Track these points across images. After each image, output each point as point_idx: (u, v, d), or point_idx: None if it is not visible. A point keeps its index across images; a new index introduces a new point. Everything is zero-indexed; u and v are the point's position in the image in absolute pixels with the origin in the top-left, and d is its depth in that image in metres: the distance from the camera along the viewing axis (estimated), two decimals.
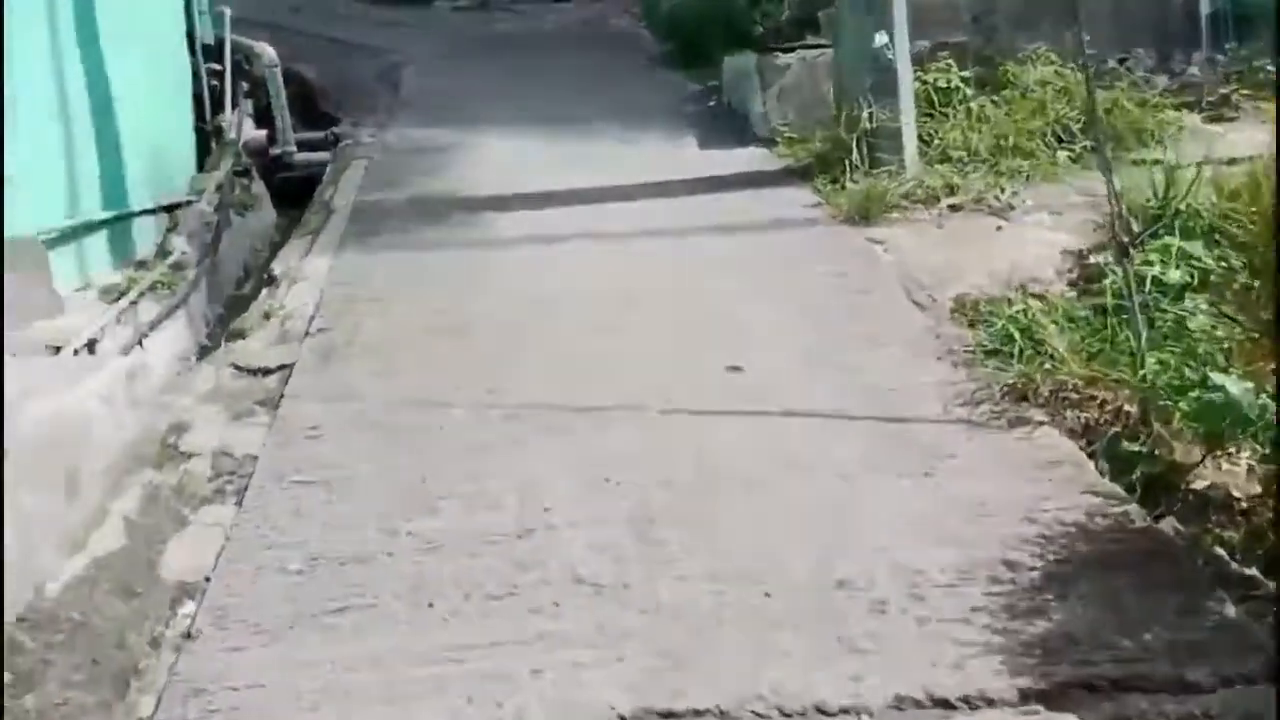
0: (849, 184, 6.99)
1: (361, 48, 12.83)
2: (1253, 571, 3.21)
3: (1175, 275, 4.87)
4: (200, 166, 8.42)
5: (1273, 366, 3.30)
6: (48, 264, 5.77)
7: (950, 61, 7.95)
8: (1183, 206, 5.44)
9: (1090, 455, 3.88)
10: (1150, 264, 4.90)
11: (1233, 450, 3.70)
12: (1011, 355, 4.50)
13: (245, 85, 9.63)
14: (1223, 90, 8.26)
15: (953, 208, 6.72)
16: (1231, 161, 5.84)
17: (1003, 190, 6.79)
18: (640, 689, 2.83)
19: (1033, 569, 3.21)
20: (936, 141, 7.45)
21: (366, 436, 4.33)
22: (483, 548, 3.50)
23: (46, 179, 6.41)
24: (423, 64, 12.15)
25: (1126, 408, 4.08)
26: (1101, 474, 3.75)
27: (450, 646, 3.06)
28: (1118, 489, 3.63)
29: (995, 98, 7.84)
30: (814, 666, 2.87)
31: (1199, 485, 3.66)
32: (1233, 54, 8.71)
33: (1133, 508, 3.51)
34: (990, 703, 2.73)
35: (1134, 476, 3.70)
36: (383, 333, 5.38)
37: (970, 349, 4.73)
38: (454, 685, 2.90)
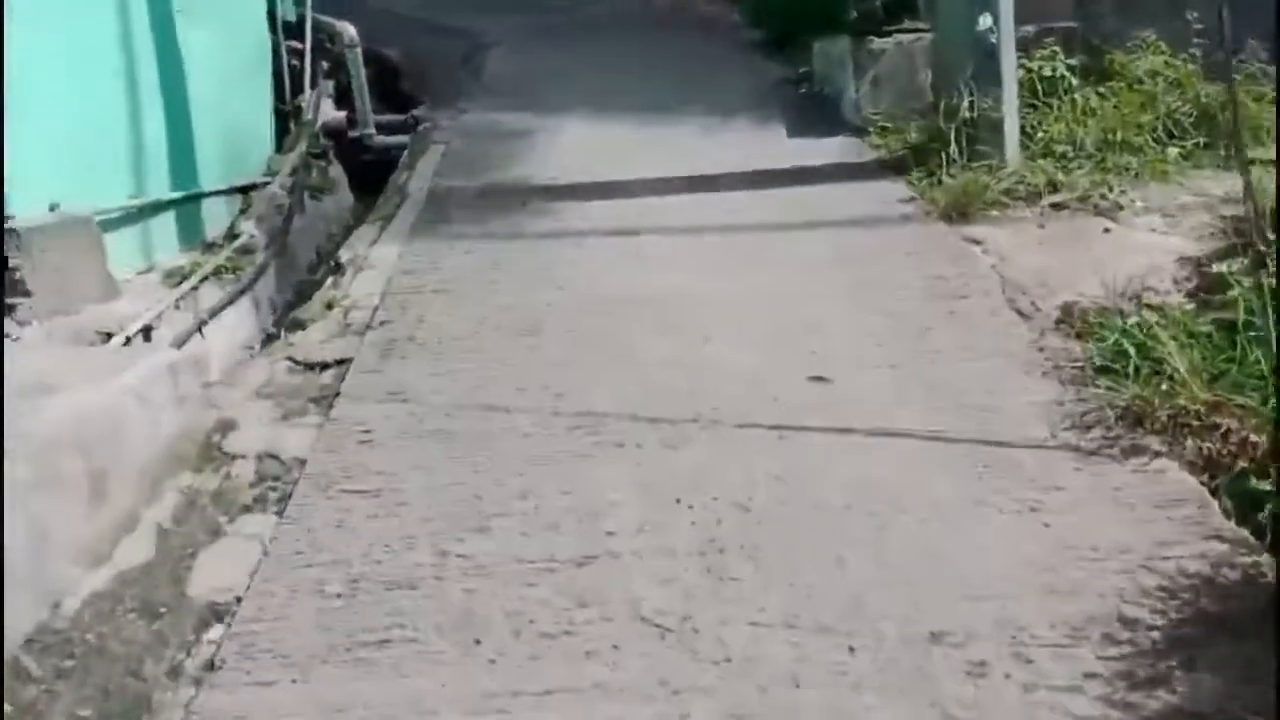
0: (945, 178, 6.59)
1: (448, 28, 12.61)
2: None
3: None
4: (279, 147, 8.25)
5: None
6: (101, 245, 5.54)
7: (1056, 48, 7.49)
8: None
9: (1213, 491, 3.48)
10: None
11: None
12: (1125, 374, 4.08)
13: (326, 65, 9.48)
14: None
15: (1055, 206, 6.29)
16: None
17: (1110, 189, 6.34)
18: None
19: (1153, 628, 2.83)
20: (1039, 134, 7.00)
21: (421, 443, 4.04)
22: (538, 576, 3.20)
23: (111, 155, 6.23)
24: (509, 46, 11.88)
25: (1254, 438, 3.65)
26: (1226, 514, 3.35)
27: (496, 693, 2.76)
28: (1246, 535, 3.23)
29: (1101, 88, 7.38)
30: None
31: None
32: None
33: (1264, 558, 3.11)
34: None
35: (1261, 517, 3.30)
36: (447, 328, 5.10)
37: (1078, 364, 4.32)
38: None
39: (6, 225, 5.07)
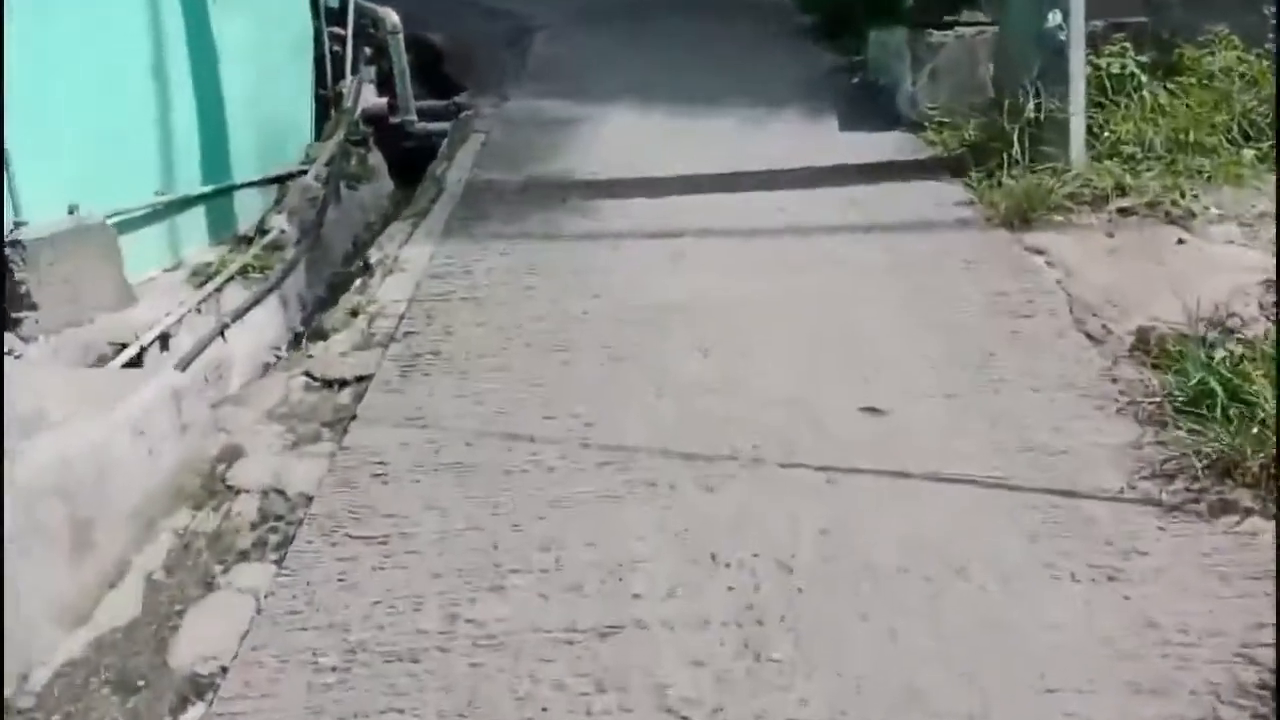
0: (1006, 179, 6.20)
1: (494, 10, 12.29)
2: None
3: None
4: (319, 134, 8.01)
5: None
6: (117, 250, 5.30)
7: (1126, 44, 7.07)
8: None
9: None
10: None
11: None
12: (1210, 415, 3.70)
13: (368, 51, 9.27)
14: None
15: (1123, 211, 5.89)
16: None
17: (1182, 194, 5.92)
18: None
19: None
20: (1106, 134, 6.59)
21: (437, 478, 3.73)
22: (554, 649, 2.88)
23: (140, 150, 5.99)
24: (555, 30, 11.53)
25: None
26: None
27: None
28: None
29: (1170, 85, 6.95)
30: None
31: None
32: None
33: None
34: None
35: None
36: (474, 342, 4.79)
37: (1156, 400, 3.94)
38: None
39: (13, 237, 4.85)
